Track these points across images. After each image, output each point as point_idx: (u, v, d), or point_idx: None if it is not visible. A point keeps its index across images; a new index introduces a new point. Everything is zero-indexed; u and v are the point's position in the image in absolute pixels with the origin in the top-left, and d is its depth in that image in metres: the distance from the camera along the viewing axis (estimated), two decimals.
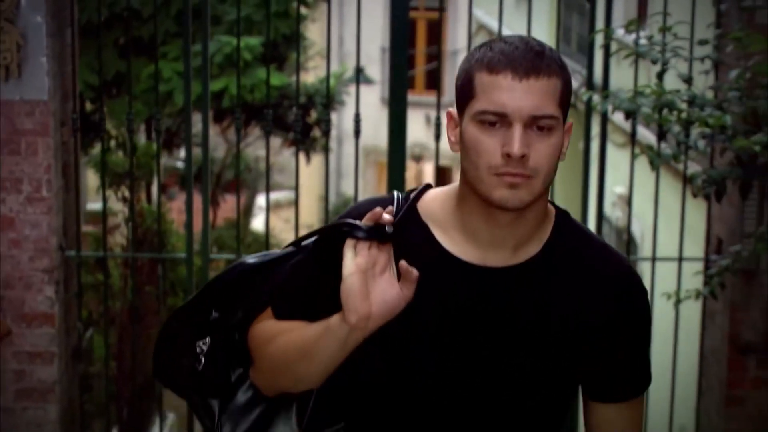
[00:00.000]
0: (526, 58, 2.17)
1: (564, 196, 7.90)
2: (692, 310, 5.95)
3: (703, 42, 5.07)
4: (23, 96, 5.23)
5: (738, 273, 5.41)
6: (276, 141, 15.39)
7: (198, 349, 2.42)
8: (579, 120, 6.02)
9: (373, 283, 2.15)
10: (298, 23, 5.78)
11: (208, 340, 2.42)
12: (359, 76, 5.90)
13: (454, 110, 2.30)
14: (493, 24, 11.23)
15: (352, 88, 15.40)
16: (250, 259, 2.42)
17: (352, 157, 15.17)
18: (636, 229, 9.15)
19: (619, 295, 2.31)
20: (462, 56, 15.44)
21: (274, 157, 20.27)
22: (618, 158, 8.12)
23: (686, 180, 5.21)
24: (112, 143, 12.42)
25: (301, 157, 14.70)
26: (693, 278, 5.66)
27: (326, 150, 5.82)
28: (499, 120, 2.16)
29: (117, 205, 10.35)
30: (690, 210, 5.85)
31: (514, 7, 12.61)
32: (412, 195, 2.36)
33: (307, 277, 2.33)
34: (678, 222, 5.72)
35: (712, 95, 5.13)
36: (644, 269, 7.18)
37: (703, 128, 4.83)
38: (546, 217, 2.33)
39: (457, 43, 19.77)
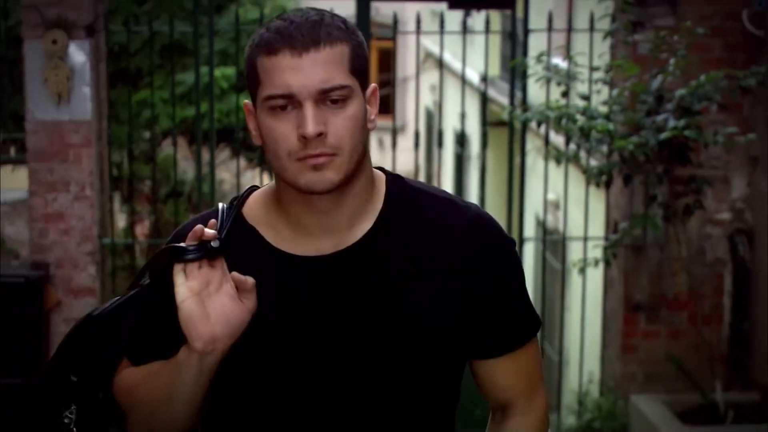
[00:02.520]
0: (302, 31, 2.05)
1: (500, 201, 9.41)
2: (597, 280, 7.47)
3: (594, 68, 6.61)
4: (71, 117, 6.69)
5: (629, 247, 6.93)
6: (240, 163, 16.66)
7: (66, 420, 2.23)
8: (515, 136, 7.54)
9: (210, 303, 2.03)
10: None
11: (73, 407, 2.23)
12: None
13: (250, 102, 2.16)
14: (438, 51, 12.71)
15: None
16: (96, 311, 2.25)
17: None
18: (562, 226, 10.65)
19: (470, 240, 2.19)
20: (412, 82, 16.57)
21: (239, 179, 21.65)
22: (550, 171, 9.66)
23: (585, 172, 6.73)
24: None
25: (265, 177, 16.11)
26: (596, 252, 7.16)
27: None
28: (288, 102, 2.05)
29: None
30: (596, 200, 7.39)
31: (458, 37, 14.08)
32: (237, 202, 2.25)
33: (149, 315, 2.20)
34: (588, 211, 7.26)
35: (605, 108, 6.66)
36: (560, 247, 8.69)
37: (596, 134, 6.38)
38: (374, 187, 2.21)
39: (407, 70, 21.01)
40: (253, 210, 2.23)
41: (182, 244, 2.05)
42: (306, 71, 2.03)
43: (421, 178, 16.45)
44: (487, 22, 7.19)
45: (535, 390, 2.31)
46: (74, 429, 2.22)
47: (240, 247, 2.16)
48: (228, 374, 2.13)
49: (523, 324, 2.26)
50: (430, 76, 16.01)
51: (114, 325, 2.22)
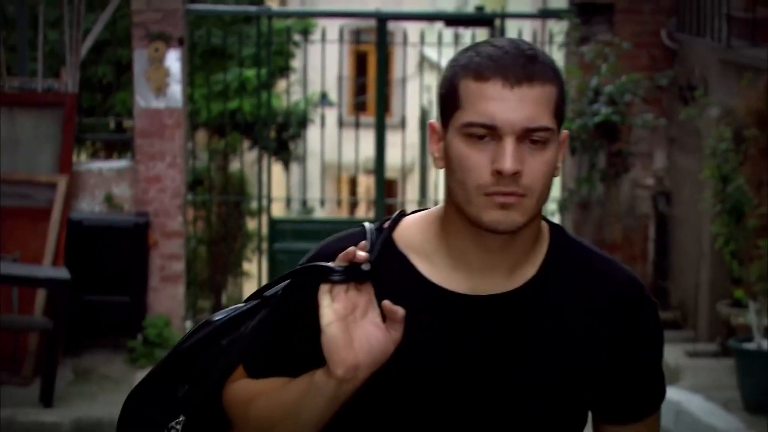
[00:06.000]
0: (518, 63, 1.92)
1: None
2: None
3: None
4: (167, 105, 9.02)
5: (578, 205, 9.29)
6: (252, 154, 18.86)
7: (172, 431, 2.15)
8: None
9: (355, 329, 1.92)
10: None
11: (181, 418, 2.15)
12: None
13: (437, 122, 2.03)
14: (434, 55, 15.00)
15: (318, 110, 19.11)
16: (216, 316, 2.20)
17: (315, 171, 18.05)
18: None
19: (627, 312, 2.08)
20: (408, 83, 18.50)
21: (249, 170, 23.89)
22: None
23: None
24: None
25: (276, 168, 18.34)
26: (553, 208, 9.51)
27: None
28: (488, 133, 1.92)
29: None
30: None
31: (452, 42, 16.40)
32: (387, 225, 2.10)
33: (278, 330, 2.09)
34: None
35: None
36: None
37: None
38: (540, 234, 2.08)
39: (404, 71, 22.88)
40: (406, 236, 2.09)
41: (330, 264, 1.95)
42: (514, 105, 1.92)
43: (416, 172, 18.46)
44: (473, 36, 9.61)
45: None
46: None
47: (388, 274, 2.02)
48: (360, 402, 2.01)
49: (656, 393, 2.17)
50: (426, 78, 18.15)
51: (230, 334, 2.17)
